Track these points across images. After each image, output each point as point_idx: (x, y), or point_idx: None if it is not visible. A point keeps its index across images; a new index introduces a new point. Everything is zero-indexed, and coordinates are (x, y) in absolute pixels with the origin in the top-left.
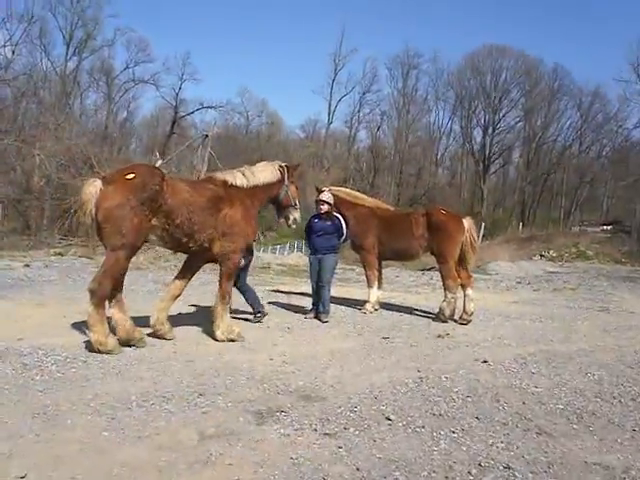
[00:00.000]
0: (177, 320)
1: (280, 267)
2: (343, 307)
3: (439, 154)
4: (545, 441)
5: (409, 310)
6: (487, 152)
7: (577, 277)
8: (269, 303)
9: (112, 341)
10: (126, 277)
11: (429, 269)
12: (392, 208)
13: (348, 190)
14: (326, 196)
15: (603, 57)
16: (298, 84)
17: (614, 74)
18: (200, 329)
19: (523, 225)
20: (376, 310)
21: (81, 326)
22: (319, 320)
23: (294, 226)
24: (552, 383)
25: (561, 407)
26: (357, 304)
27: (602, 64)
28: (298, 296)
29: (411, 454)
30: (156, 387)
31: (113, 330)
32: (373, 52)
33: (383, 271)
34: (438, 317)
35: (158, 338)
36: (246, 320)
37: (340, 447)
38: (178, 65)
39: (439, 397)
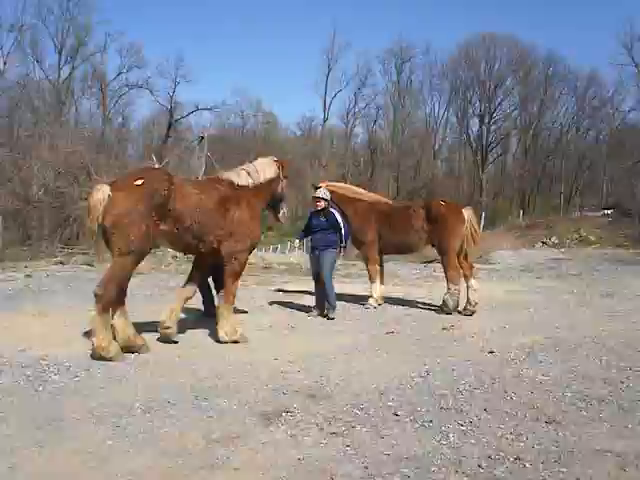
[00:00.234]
0: (180, 322)
1: (282, 266)
2: (346, 303)
3: (436, 146)
4: (555, 430)
5: (413, 303)
6: (484, 141)
7: (580, 263)
8: (272, 303)
9: (114, 347)
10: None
11: (431, 261)
12: (391, 202)
13: (346, 185)
14: (322, 192)
15: (597, 41)
16: (292, 82)
17: (609, 57)
18: (203, 331)
19: (524, 213)
20: (380, 305)
21: (83, 335)
22: (326, 317)
23: (283, 221)
24: (560, 371)
25: (570, 395)
26: (360, 300)
27: (596, 48)
28: (301, 295)
29: (420, 449)
30: (160, 392)
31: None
32: (366, 46)
33: (385, 265)
34: (442, 309)
35: (162, 342)
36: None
37: (348, 445)
38: (171, 68)
39: (446, 390)
